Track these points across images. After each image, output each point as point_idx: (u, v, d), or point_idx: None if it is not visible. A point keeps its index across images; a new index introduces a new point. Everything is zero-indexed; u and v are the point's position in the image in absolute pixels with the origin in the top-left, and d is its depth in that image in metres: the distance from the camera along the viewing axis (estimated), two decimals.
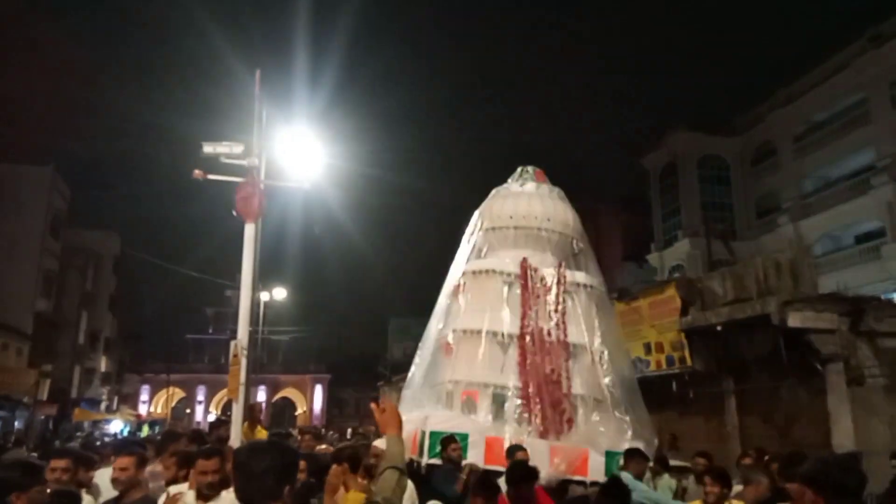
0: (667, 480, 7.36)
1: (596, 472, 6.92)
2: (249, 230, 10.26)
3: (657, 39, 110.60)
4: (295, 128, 11.69)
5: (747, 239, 31.56)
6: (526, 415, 7.35)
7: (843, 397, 11.66)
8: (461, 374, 7.84)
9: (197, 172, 10.31)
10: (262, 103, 11.03)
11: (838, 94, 28.41)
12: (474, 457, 6.78)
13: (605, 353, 7.92)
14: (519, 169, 9.11)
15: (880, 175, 25.78)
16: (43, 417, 33.61)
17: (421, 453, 6.96)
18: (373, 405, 3.07)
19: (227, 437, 7.43)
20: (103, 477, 4.65)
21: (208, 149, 10.04)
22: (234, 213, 10.42)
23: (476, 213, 8.83)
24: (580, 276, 8.35)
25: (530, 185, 8.84)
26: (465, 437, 6.89)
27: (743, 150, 34.22)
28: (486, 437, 7.06)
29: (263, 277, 22.56)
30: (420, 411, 7.63)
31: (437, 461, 6.63)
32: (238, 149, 10.16)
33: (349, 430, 24.73)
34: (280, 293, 33.06)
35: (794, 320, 11.89)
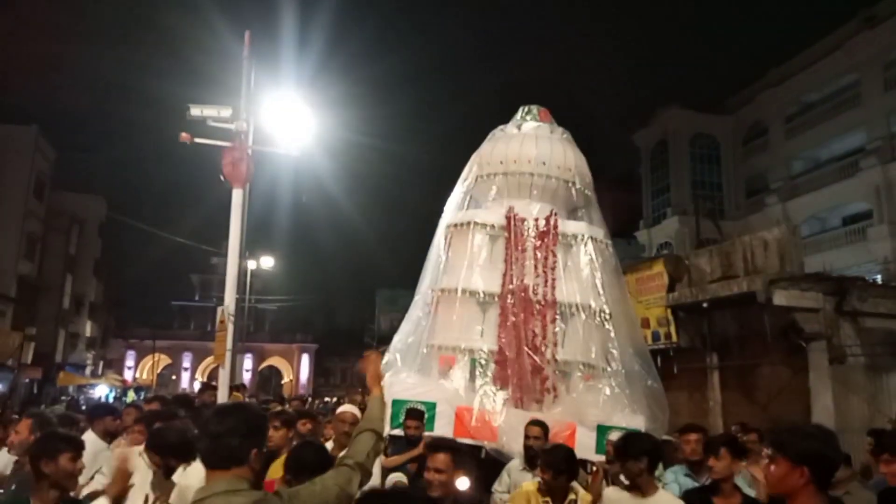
0: None
1: (584, 448, 6.12)
2: (237, 196, 10.13)
3: (652, 16, 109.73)
4: (284, 93, 11.51)
5: (736, 218, 31.70)
6: (504, 382, 6.62)
7: (824, 375, 11.82)
8: (438, 338, 7.13)
9: (184, 135, 10.13)
10: (250, 66, 10.83)
11: (831, 75, 28.35)
12: (442, 427, 6.23)
13: (607, 313, 6.98)
14: (521, 108, 8.05)
15: (869, 157, 25.85)
16: (27, 381, 33.49)
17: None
18: (365, 355, 2.97)
19: (213, 403, 7.36)
20: (87, 440, 4.60)
21: (195, 111, 9.84)
22: (222, 178, 10.29)
23: (471, 159, 7.92)
24: (578, 227, 7.34)
25: (528, 126, 7.80)
26: (432, 406, 6.30)
27: (734, 129, 34.21)
28: (457, 406, 6.41)
29: (251, 246, 22.45)
30: (396, 377, 6.91)
31: (399, 432, 6.09)
32: (226, 112, 9.98)
33: (334, 400, 24.83)
34: (267, 262, 32.95)
35: (780, 298, 12.01)
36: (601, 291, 7.15)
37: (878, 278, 18.07)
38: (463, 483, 5.05)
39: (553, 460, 4.26)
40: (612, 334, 7.00)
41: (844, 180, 26.89)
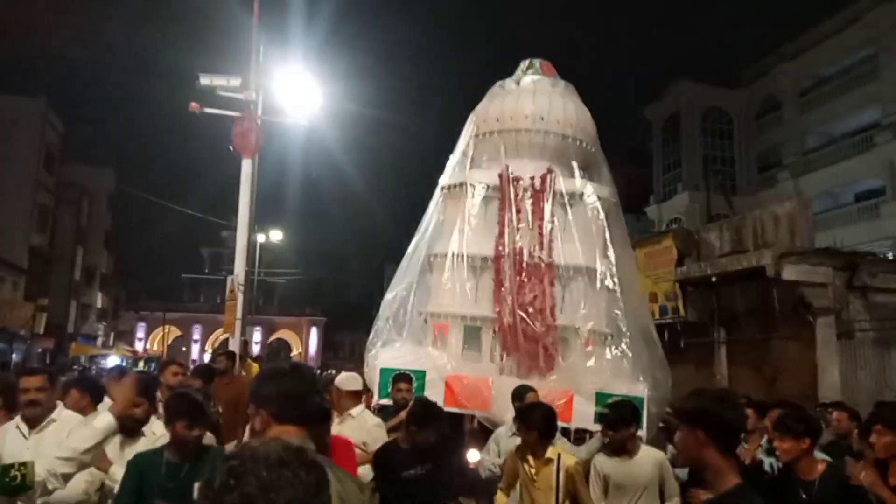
0: None
1: (582, 417, 5.84)
2: (247, 166, 10.20)
3: None
4: (292, 64, 11.51)
5: (747, 194, 31.43)
6: (501, 350, 6.33)
7: (832, 350, 11.82)
8: (431, 305, 6.86)
9: (193, 105, 10.18)
10: (259, 36, 10.80)
11: (847, 48, 27.83)
12: (432, 397, 5.75)
13: (613, 276, 6.58)
14: (523, 62, 7.54)
15: (884, 132, 25.50)
16: (40, 350, 33.93)
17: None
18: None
19: (228, 370, 7.26)
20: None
21: (205, 80, 9.89)
22: (231, 148, 10.33)
23: (469, 118, 7.44)
24: (580, 185, 6.82)
25: (527, 80, 7.31)
26: (421, 374, 6.07)
27: (747, 103, 33.75)
28: (447, 375, 6.13)
29: (260, 220, 22.49)
30: (386, 347, 6.67)
31: (388, 401, 5.87)
32: (235, 81, 10.02)
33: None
34: (276, 235, 33.11)
35: (789, 273, 11.98)
36: (607, 253, 6.75)
37: (890, 255, 17.94)
38: (473, 455, 5.06)
39: (527, 416, 4.23)
40: (618, 298, 6.61)
41: (858, 156, 26.54)
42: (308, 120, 11.53)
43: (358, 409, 4.80)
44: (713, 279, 13.49)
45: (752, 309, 13.29)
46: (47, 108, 35.35)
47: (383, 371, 6.12)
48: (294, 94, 11.14)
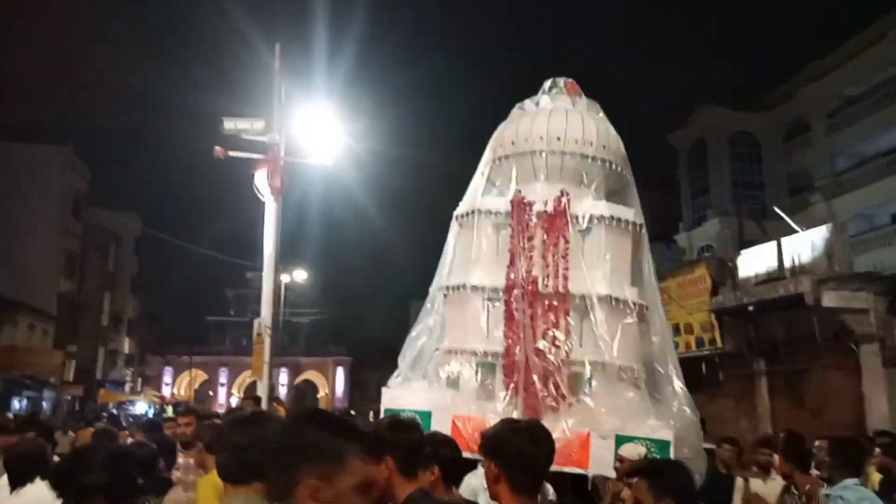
0: None
1: (601, 463, 5.23)
2: (271, 207, 10.17)
3: (686, 13, 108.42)
4: (315, 105, 11.57)
5: (779, 218, 30.87)
6: (511, 388, 5.90)
7: (878, 378, 11.46)
8: (446, 340, 6.55)
9: (218, 150, 10.23)
10: (281, 78, 10.88)
11: (874, 67, 27.41)
12: None
13: (636, 305, 6.12)
14: (546, 82, 7.18)
15: None
16: (69, 398, 34.06)
17: None
18: None
19: None
20: None
21: (229, 125, 9.94)
22: (256, 190, 10.33)
23: (489, 143, 7.12)
24: (599, 207, 6.30)
25: (546, 100, 6.91)
26: (426, 415, 5.72)
27: (774, 126, 33.34)
28: (453, 415, 5.73)
29: (284, 260, 22.52)
30: (401, 386, 6.45)
31: None
32: (259, 125, 10.05)
33: (371, 413, 24.72)
34: (301, 275, 33.25)
35: (829, 300, 11.65)
36: (630, 281, 6.31)
37: None
38: None
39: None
40: (641, 330, 6.16)
41: (892, 176, 25.98)
42: (331, 159, 11.52)
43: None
44: (750, 308, 13.13)
45: (793, 338, 12.91)
46: (73, 155, 36.05)
47: (387, 411, 5.81)
48: (317, 134, 11.17)
